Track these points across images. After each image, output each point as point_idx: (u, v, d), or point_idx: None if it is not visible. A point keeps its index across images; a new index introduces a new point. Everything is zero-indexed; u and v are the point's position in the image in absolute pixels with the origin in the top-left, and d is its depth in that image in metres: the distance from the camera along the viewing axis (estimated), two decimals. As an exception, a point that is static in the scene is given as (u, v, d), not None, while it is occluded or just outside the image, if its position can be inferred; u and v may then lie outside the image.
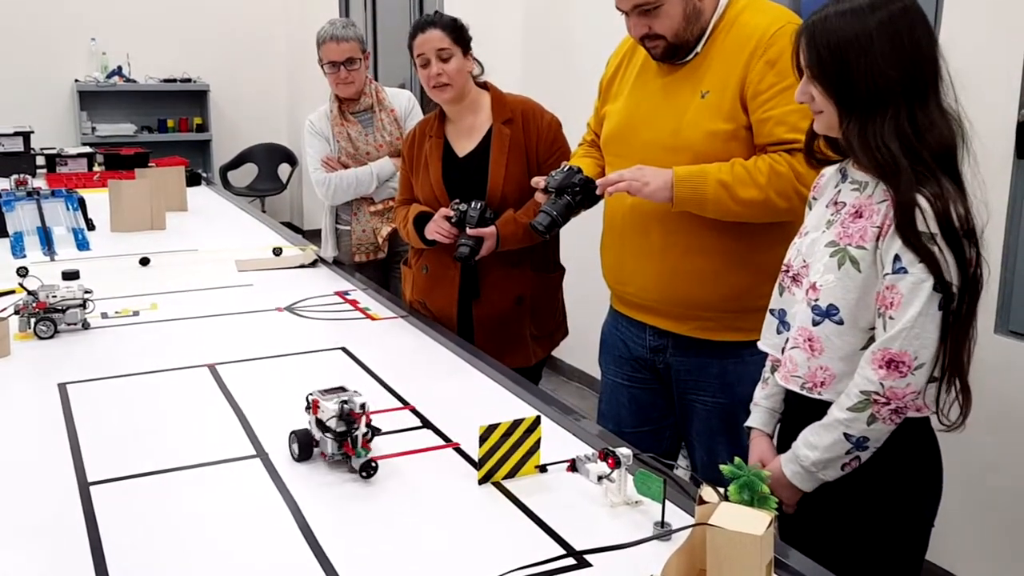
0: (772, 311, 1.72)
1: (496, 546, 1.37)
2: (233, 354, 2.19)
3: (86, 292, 2.35)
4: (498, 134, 2.53)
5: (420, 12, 6.02)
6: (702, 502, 1.19)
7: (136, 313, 2.51)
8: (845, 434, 1.52)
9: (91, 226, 3.55)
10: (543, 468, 1.59)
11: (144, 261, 3.07)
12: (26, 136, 4.86)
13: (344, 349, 2.24)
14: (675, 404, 2.19)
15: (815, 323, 1.58)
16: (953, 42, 2.60)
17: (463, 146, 2.59)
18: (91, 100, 7.41)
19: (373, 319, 2.53)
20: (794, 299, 1.65)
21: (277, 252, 3.17)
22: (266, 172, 8.10)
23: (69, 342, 2.27)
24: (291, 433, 1.64)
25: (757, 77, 1.90)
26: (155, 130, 7.71)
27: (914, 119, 1.48)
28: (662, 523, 1.37)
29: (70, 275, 2.74)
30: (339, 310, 2.60)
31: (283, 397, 1.88)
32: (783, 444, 1.69)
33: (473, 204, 2.45)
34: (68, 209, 3.52)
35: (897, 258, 1.46)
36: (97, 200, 3.72)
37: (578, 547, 1.35)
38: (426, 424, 1.81)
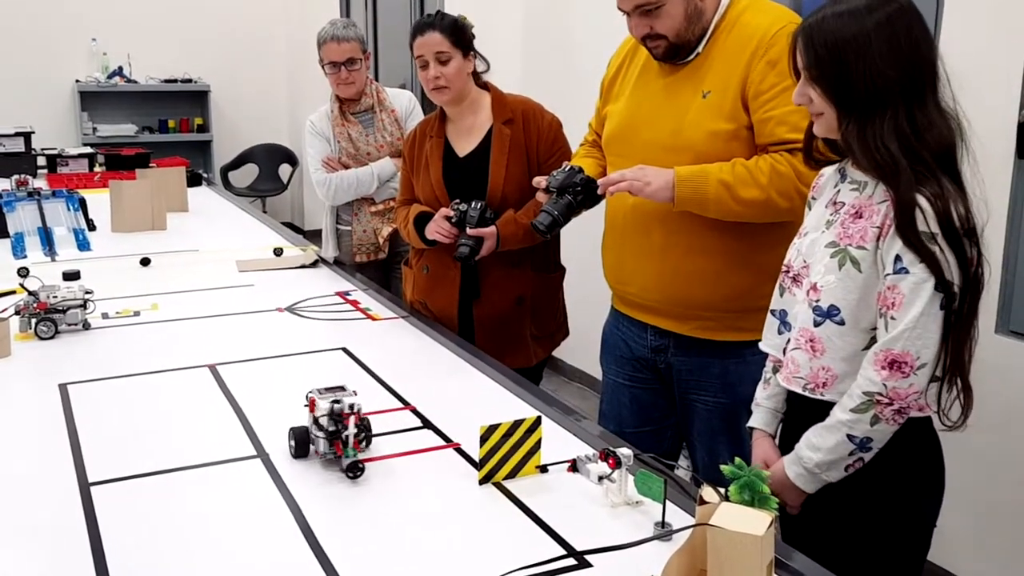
0: (773, 312, 1.72)
1: (497, 546, 1.37)
2: (234, 354, 2.19)
3: (87, 292, 2.35)
4: (498, 134, 2.53)
5: (421, 12, 6.02)
6: (703, 502, 1.19)
7: (137, 313, 2.51)
8: (848, 435, 1.52)
9: (92, 226, 3.55)
10: (544, 468, 1.59)
11: (145, 261, 3.07)
12: (27, 136, 4.86)
13: (345, 349, 2.24)
14: (676, 404, 2.19)
15: (816, 324, 1.58)
16: (953, 42, 2.61)
17: (463, 146, 2.59)
18: (92, 100, 7.42)
19: (374, 319, 2.53)
20: (795, 300, 1.65)
21: (278, 252, 3.17)
22: (267, 172, 8.10)
23: (70, 342, 2.27)
24: (290, 430, 1.65)
25: (758, 77, 1.90)
26: (156, 130, 7.72)
27: (913, 119, 1.48)
28: (663, 523, 1.37)
29: (71, 275, 2.75)
30: (340, 310, 2.60)
31: (284, 397, 1.88)
32: (785, 445, 1.69)
33: (473, 204, 2.45)
34: (69, 209, 3.52)
35: (898, 258, 1.46)
36: (98, 200, 3.72)
37: (579, 547, 1.35)
38: (427, 424, 1.81)
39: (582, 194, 2.08)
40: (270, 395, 1.95)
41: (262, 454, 1.67)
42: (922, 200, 1.44)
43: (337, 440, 1.57)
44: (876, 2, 1.50)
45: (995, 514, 2.66)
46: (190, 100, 7.80)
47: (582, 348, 3.17)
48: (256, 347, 2.25)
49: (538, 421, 1.57)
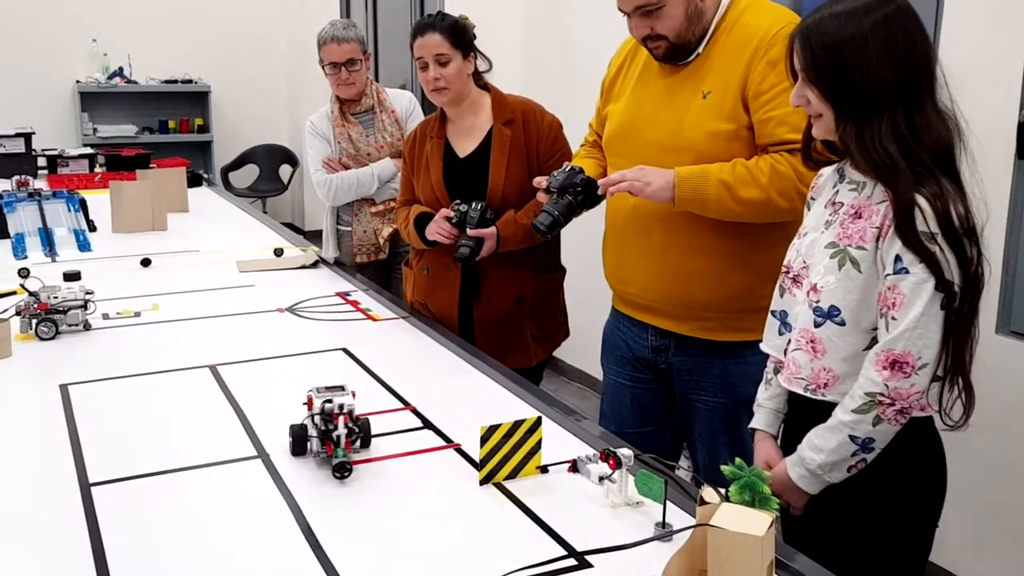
0: (773, 313, 1.72)
1: (497, 547, 1.37)
2: (234, 355, 2.19)
3: (87, 293, 2.35)
4: (499, 135, 2.53)
5: (421, 13, 6.02)
6: (703, 503, 1.20)
7: (137, 314, 2.51)
8: (851, 436, 1.52)
9: (92, 227, 3.55)
10: (544, 469, 1.59)
11: (145, 262, 3.07)
12: (27, 137, 4.86)
13: (345, 350, 2.24)
14: (677, 404, 2.19)
15: (817, 324, 1.58)
16: (953, 43, 2.61)
17: (464, 147, 2.59)
18: (92, 101, 7.42)
19: (374, 320, 2.53)
20: (795, 300, 1.65)
21: (278, 253, 3.17)
22: (267, 173, 8.10)
23: (70, 343, 2.27)
24: (290, 427, 1.65)
25: (759, 77, 1.90)
26: (156, 131, 7.72)
27: (911, 120, 1.48)
28: (663, 524, 1.37)
29: (71, 276, 2.75)
30: (340, 311, 2.60)
31: (284, 398, 1.88)
32: (788, 446, 1.69)
33: (474, 205, 2.45)
34: (69, 210, 3.52)
35: (898, 258, 1.46)
36: (98, 201, 3.72)
37: (579, 548, 1.35)
38: (427, 425, 1.81)
39: (582, 194, 2.08)
40: (270, 395, 1.95)
41: (262, 454, 1.67)
42: (921, 200, 1.44)
43: (329, 440, 1.57)
44: (873, 3, 1.50)
45: (996, 515, 2.66)
46: (190, 101, 7.81)
47: (582, 348, 3.17)
48: (256, 347, 2.25)
49: (538, 421, 1.57)
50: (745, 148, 1.94)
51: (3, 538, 1.40)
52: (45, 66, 7.28)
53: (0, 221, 3.38)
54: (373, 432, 1.69)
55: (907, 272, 1.46)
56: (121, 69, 7.50)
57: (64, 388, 1.98)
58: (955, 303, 1.46)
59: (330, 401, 1.57)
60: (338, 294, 2.76)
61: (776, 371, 1.73)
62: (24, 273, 2.72)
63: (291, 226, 6.79)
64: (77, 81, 7.38)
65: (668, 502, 1.38)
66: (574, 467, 1.59)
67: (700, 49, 1.99)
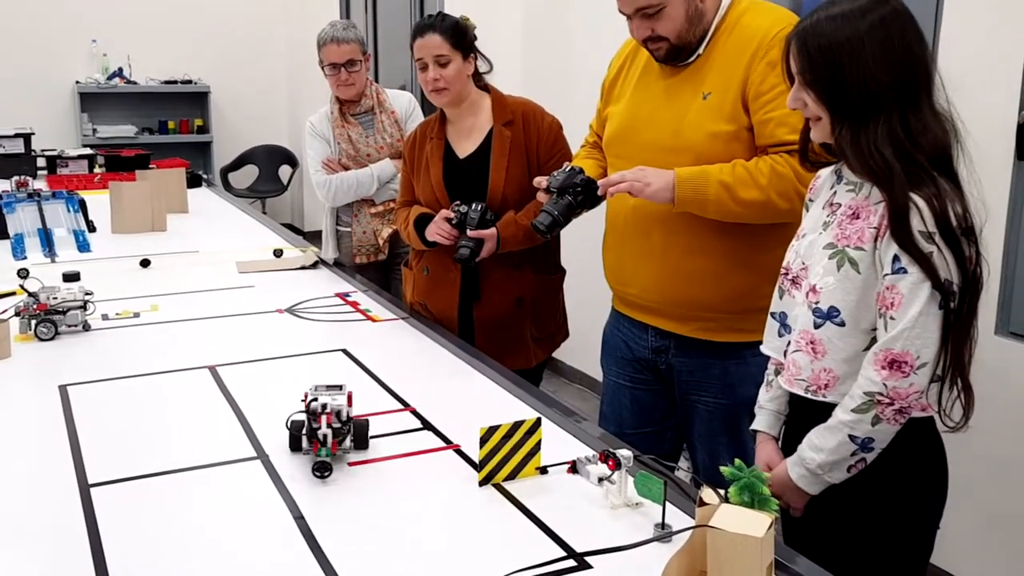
0: (773, 314, 1.72)
1: (496, 548, 1.37)
2: (234, 356, 2.19)
3: (87, 294, 2.35)
4: (499, 136, 2.53)
5: (421, 13, 6.03)
6: (702, 504, 1.19)
7: (137, 315, 2.51)
8: (850, 436, 1.52)
9: (92, 228, 3.55)
10: (544, 470, 1.59)
11: (145, 263, 3.07)
12: (27, 138, 4.86)
13: (345, 351, 2.24)
14: (677, 405, 2.19)
15: (816, 325, 1.58)
16: (953, 44, 2.61)
17: (464, 148, 2.59)
18: (92, 101, 7.42)
19: (374, 321, 2.53)
20: (794, 302, 1.65)
21: (278, 254, 3.17)
22: (267, 174, 8.10)
23: (70, 344, 2.27)
24: (290, 421, 1.66)
25: (758, 78, 1.90)
26: (156, 132, 7.72)
27: (907, 123, 1.48)
28: (663, 525, 1.37)
29: (71, 277, 2.75)
30: (340, 312, 2.60)
31: (283, 399, 1.88)
32: (788, 447, 1.69)
33: (474, 206, 2.45)
34: (69, 211, 3.52)
35: (896, 258, 1.46)
36: (98, 202, 3.72)
37: (579, 549, 1.35)
38: (427, 426, 1.81)
39: (582, 195, 2.08)
40: (270, 396, 1.95)
41: (262, 455, 1.67)
42: (919, 200, 1.44)
43: (315, 439, 1.58)
44: (869, 5, 1.50)
45: (996, 516, 2.66)
46: (190, 101, 7.81)
47: (582, 349, 3.17)
48: (256, 348, 2.25)
49: (538, 422, 1.57)
50: (745, 149, 1.94)
51: (3, 539, 1.40)
52: (45, 66, 7.28)
53: (0, 221, 3.38)
54: (373, 433, 1.69)
55: (905, 272, 1.46)
56: (121, 69, 7.50)
57: (63, 389, 1.98)
58: (954, 303, 1.46)
59: (316, 399, 1.58)
60: (338, 295, 2.76)
61: (777, 373, 1.73)
62: (23, 274, 2.72)
63: (291, 227, 6.80)
64: (77, 81, 7.38)
65: (667, 503, 1.38)
66: (574, 468, 1.59)
67: (700, 50, 1.99)
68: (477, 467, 1.56)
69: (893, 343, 1.47)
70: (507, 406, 1.92)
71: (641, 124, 2.08)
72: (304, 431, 1.60)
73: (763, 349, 1.76)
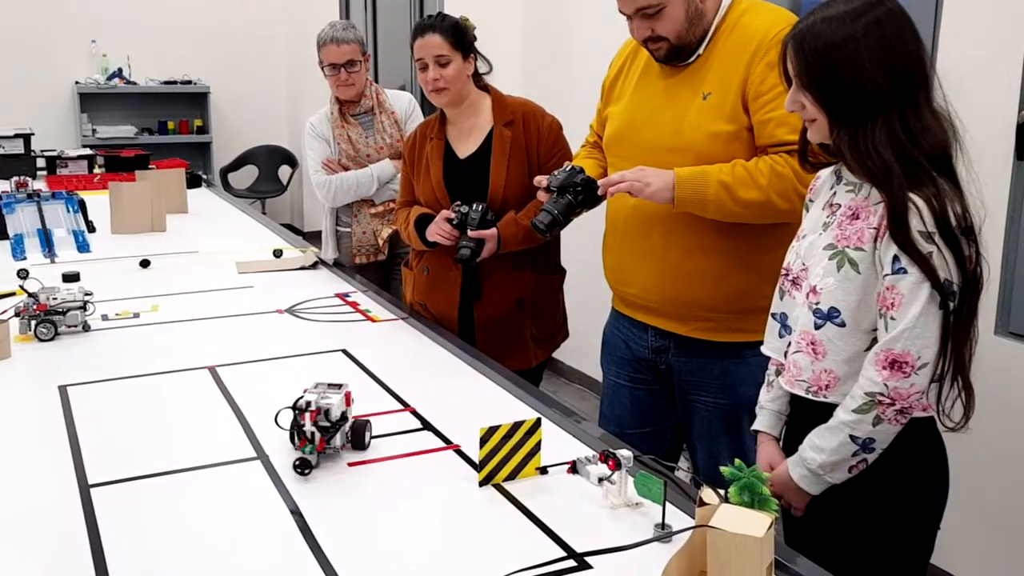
0: (774, 315, 1.72)
1: (496, 548, 1.37)
2: (233, 356, 2.19)
3: (86, 294, 2.35)
4: (499, 136, 2.53)
5: (421, 13, 6.03)
6: (702, 504, 1.20)
7: (136, 315, 2.51)
8: (851, 436, 1.52)
9: (92, 228, 3.55)
10: (543, 470, 1.59)
11: (144, 263, 3.07)
12: (26, 138, 4.86)
13: (344, 351, 2.24)
14: (677, 405, 2.19)
15: (817, 326, 1.58)
16: (953, 43, 2.61)
17: (464, 148, 2.59)
18: (91, 102, 7.42)
19: (373, 321, 2.53)
20: (795, 303, 1.65)
21: (277, 254, 3.17)
22: (266, 174, 8.10)
23: (69, 344, 2.27)
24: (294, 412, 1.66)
25: (758, 79, 1.90)
26: (155, 132, 7.72)
27: (906, 123, 1.48)
28: (662, 525, 1.37)
29: (70, 277, 2.75)
30: (339, 312, 2.60)
31: (283, 399, 1.87)
32: (789, 447, 1.69)
33: (474, 206, 2.45)
34: (68, 211, 3.52)
35: (896, 258, 1.46)
36: (98, 202, 3.72)
37: (579, 549, 1.35)
38: (427, 426, 1.81)
39: (582, 194, 2.08)
40: (270, 397, 1.94)
41: (262, 456, 1.67)
42: (918, 199, 1.44)
43: (303, 436, 1.58)
44: (865, 6, 1.50)
45: (997, 517, 2.66)
46: (189, 101, 7.81)
47: (582, 350, 3.17)
48: (256, 349, 2.25)
49: (538, 423, 1.57)
50: (745, 149, 1.94)
51: (3, 539, 1.40)
52: (44, 67, 7.28)
53: (0, 222, 3.38)
54: (373, 433, 1.69)
55: (905, 272, 1.46)
56: (120, 70, 7.50)
57: (63, 389, 1.98)
58: (954, 303, 1.46)
59: (301, 396, 1.58)
60: (337, 295, 2.76)
61: (778, 373, 1.73)
62: (23, 274, 2.72)
63: (290, 227, 6.80)
64: (76, 82, 7.39)
65: (667, 503, 1.38)
66: (573, 468, 1.59)
67: (700, 50, 1.99)
68: (477, 467, 1.56)
69: (894, 343, 1.47)
70: (507, 406, 1.92)
71: (641, 124, 2.08)
72: (291, 427, 1.61)
73: (764, 350, 1.76)
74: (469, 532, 1.42)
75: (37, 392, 1.97)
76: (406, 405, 1.91)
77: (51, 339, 2.28)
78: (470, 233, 2.43)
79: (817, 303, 1.57)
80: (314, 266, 3.10)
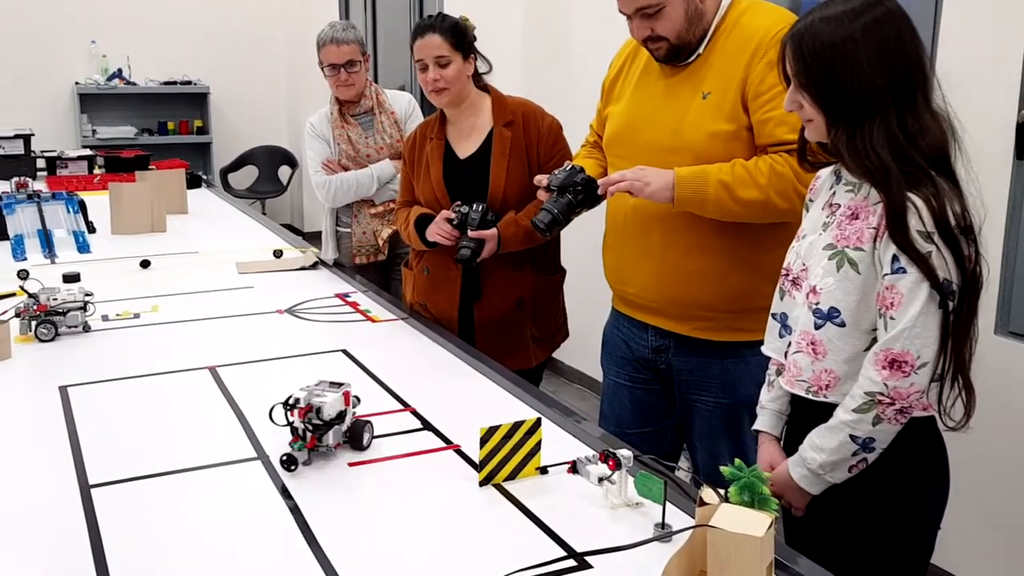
0: (774, 315, 1.72)
1: (497, 548, 1.37)
2: (234, 356, 2.19)
3: (87, 295, 2.35)
4: (499, 136, 2.54)
5: (420, 14, 6.03)
6: (703, 503, 1.20)
7: (137, 315, 2.51)
8: (851, 435, 1.52)
9: (92, 229, 3.55)
10: (544, 470, 1.59)
11: (145, 263, 3.07)
12: (26, 139, 4.86)
13: (345, 351, 2.24)
14: (677, 405, 2.19)
15: (817, 326, 1.58)
16: (952, 43, 2.61)
17: (464, 148, 2.60)
18: (91, 102, 7.42)
19: (373, 321, 2.53)
20: (795, 303, 1.65)
21: (277, 254, 3.17)
22: (266, 174, 8.10)
23: (70, 345, 2.27)
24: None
25: (758, 78, 1.90)
26: (155, 132, 7.72)
27: (904, 123, 1.48)
28: (663, 525, 1.37)
29: (71, 278, 2.75)
30: (339, 312, 2.60)
31: (284, 399, 1.88)
32: (790, 447, 1.69)
33: (475, 206, 2.45)
34: (69, 212, 3.52)
35: (895, 258, 1.47)
36: (98, 202, 3.72)
37: (579, 549, 1.35)
38: (427, 426, 1.81)
39: (582, 193, 2.08)
40: (270, 397, 1.94)
41: (262, 456, 1.67)
42: (917, 199, 1.45)
43: (296, 433, 1.59)
44: (863, 6, 1.50)
45: (997, 516, 2.66)
46: (189, 102, 7.81)
47: (582, 349, 3.17)
48: (256, 349, 2.25)
49: (538, 423, 1.57)
50: (745, 149, 1.94)
51: (3, 540, 1.40)
52: (44, 67, 7.28)
53: (0, 223, 3.38)
54: (374, 434, 1.69)
55: (904, 272, 1.46)
56: (120, 70, 7.50)
57: (64, 390, 1.98)
58: (953, 302, 1.46)
59: (292, 394, 1.59)
60: (337, 295, 2.76)
61: (778, 373, 1.73)
62: (23, 275, 2.72)
63: (290, 227, 6.80)
64: (76, 82, 7.39)
65: (668, 503, 1.38)
66: (574, 468, 1.59)
67: (700, 50, 1.99)
68: (477, 467, 1.56)
69: (893, 343, 1.47)
70: (507, 406, 1.92)
71: (641, 124, 2.08)
72: (284, 422, 1.61)
73: (764, 350, 1.76)
74: (469, 532, 1.42)
75: (37, 392, 1.97)
76: (406, 405, 1.91)
77: (51, 340, 2.28)
78: (470, 233, 2.43)
79: (817, 303, 1.57)
80: (314, 266, 3.10)
